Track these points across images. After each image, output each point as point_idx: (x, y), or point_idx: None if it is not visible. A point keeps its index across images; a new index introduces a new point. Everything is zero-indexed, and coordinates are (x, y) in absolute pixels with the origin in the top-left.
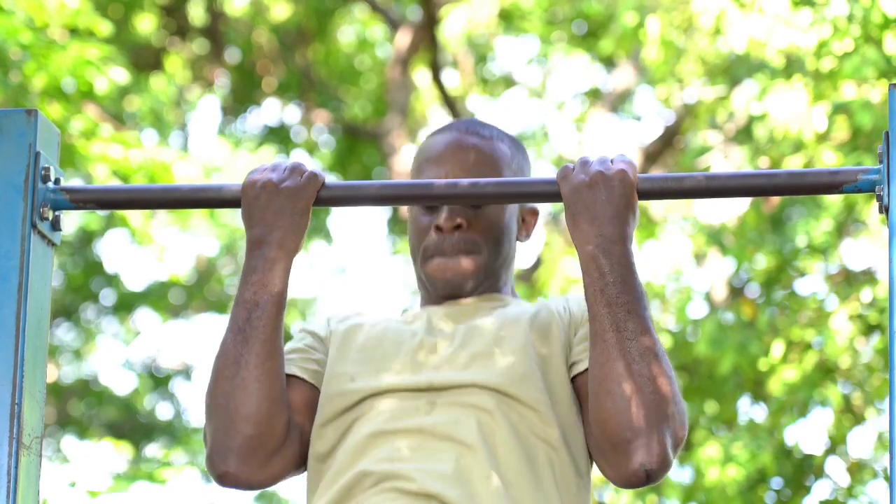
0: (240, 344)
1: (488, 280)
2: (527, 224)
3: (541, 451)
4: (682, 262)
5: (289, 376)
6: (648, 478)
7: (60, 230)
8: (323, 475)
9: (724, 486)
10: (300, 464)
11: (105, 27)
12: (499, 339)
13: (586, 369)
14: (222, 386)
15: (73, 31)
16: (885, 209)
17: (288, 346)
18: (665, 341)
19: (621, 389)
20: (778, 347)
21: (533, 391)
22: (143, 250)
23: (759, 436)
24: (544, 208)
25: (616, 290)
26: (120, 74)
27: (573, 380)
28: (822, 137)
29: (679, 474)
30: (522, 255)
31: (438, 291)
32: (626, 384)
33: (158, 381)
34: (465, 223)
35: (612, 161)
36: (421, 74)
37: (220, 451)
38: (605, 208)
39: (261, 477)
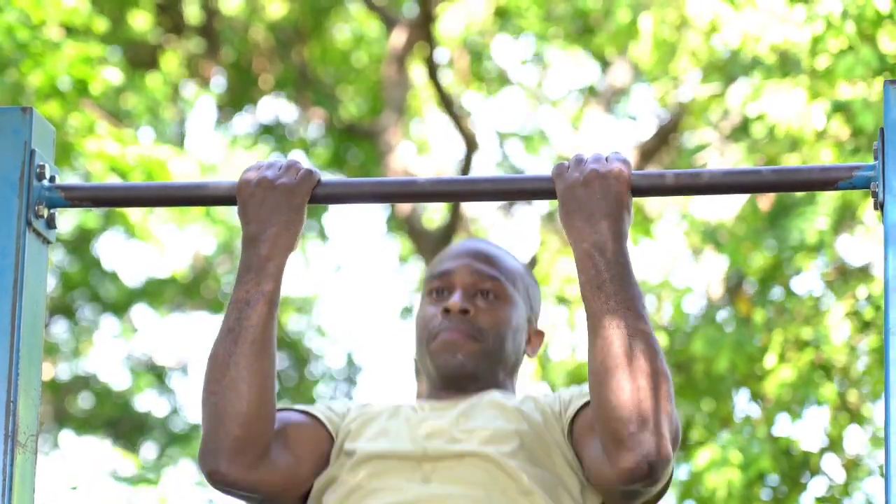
0: (230, 343)
1: (490, 371)
2: (532, 342)
3: None
4: (679, 260)
5: (308, 414)
6: (651, 470)
7: (55, 228)
8: None
9: (722, 489)
10: (286, 489)
11: (102, 24)
12: (496, 418)
13: (579, 409)
14: (212, 386)
15: (70, 29)
16: (880, 205)
17: (309, 406)
18: (661, 339)
19: (625, 383)
20: (773, 355)
21: (529, 471)
22: (141, 247)
23: (755, 436)
24: (540, 206)
25: (614, 287)
26: (114, 74)
27: (571, 432)
28: (820, 136)
29: (675, 471)
30: (520, 250)
31: (440, 370)
32: (629, 378)
33: (155, 377)
34: (473, 310)
35: (606, 159)
36: (417, 72)
37: (210, 450)
38: (600, 206)
39: (248, 478)
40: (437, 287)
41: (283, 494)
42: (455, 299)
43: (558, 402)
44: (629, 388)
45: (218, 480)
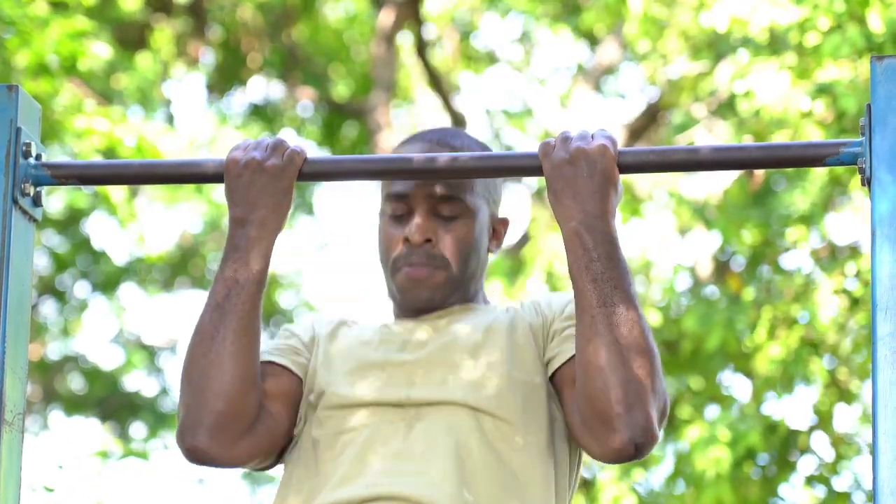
0: (216, 320)
1: (458, 292)
2: (497, 234)
3: (520, 464)
4: (668, 238)
5: (274, 364)
6: (637, 451)
7: (42, 206)
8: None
9: (710, 469)
10: (269, 452)
11: None
12: (474, 352)
13: (565, 362)
14: (197, 362)
15: (57, 4)
16: (867, 182)
17: (272, 343)
18: (651, 317)
19: (611, 364)
20: (762, 331)
21: (509, 406)
22: (129, 226)
23: (744, 413)
24: (529, 182)
25: (601, 266)
26: (103, 50)
27: (552, 376)
28: (805, 116)
29: (665, 450)
30: (509, 232)
31: (408, 303)
32: (616, 359)
33: (144, 357)
34: (434, 238)
35: (592, 136)
36: (406, 51)
37: (191, 426)
38: (587, 184)
39: (229, 455)
40: (395, 208)
41: (265, 459)
42: (415, 229)
43: (540, 318)
44: (617, 369)
45: (197, 458)
